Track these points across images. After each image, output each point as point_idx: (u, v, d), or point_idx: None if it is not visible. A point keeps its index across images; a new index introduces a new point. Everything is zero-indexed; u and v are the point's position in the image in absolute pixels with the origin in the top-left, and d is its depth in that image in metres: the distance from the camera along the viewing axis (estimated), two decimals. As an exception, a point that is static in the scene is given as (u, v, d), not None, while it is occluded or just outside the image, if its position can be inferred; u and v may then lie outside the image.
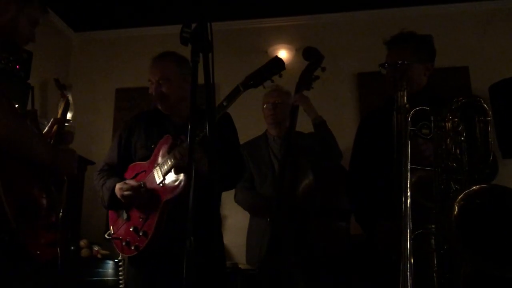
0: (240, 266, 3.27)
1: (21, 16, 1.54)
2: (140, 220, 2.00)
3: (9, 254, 1.38)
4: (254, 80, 2.02)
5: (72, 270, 3.59)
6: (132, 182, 2.03)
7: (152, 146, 2.10)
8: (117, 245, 2.09)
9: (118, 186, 2.04)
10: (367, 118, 2.33)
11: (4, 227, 1.33)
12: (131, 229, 2.00)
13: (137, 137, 2.20)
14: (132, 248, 1.98)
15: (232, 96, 1.97)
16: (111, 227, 2.12)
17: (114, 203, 2.08)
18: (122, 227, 2.08)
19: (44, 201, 1.52)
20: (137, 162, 2.14)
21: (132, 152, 2.19)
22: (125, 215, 2.06)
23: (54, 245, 1.54)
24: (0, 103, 1.39)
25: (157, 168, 2.01)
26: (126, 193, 1.99)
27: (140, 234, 1.97)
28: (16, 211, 1.37)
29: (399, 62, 1.90)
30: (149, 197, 1.98)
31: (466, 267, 1.55)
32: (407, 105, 1.77)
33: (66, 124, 1.84)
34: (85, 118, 4.57)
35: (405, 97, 1.79)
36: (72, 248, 3.89)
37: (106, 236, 2.12)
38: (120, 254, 2.27)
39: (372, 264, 1.99)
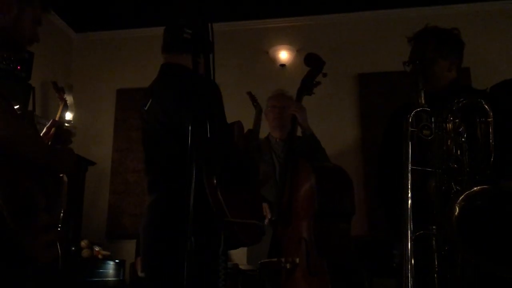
0: (240, 266, 3.27)
1: (23, 16, 1.54)
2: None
3: (7, 255, 1.37)
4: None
5: (73, 270, 3.59)
6: None
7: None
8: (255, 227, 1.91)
9: None
10: (395, 116, 2.26)
11: (2, 229, 1.33)
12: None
13: None
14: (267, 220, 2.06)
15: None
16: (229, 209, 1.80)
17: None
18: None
19: (43, 202, 1.52)
20: None
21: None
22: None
23: (53, 245, 1.53)
24: None
25: None
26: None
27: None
28: (14, 212, 1.36)
29: (417, 60, 1.87)
30: None
31: (467, 268, 1.55)
32: (425, 106, 1.74)
33: (66, 124, 1.83)
34: (86, 119, 4.57)
35: (423, 97, 1.77)
36: (73, 248, 3.89)
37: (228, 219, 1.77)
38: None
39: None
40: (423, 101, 1.74)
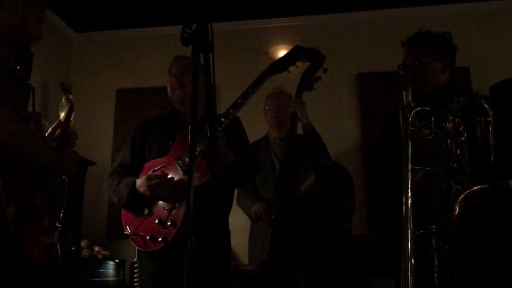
0: (241, 266, 3.27)
1: (29, 14, 1.54)
2: (166, 211, 2.00)
3: (8, 257, 1.37)
4: (279, 66, 2.28)
5: (73, 270, 3.59)
6: (157, 172, 2.04)
7: (170, 144, 2.11)
8: (137, 242, 2.06)
9: (142, 179, 2.03)
10: (389, 118, 2.29)
11: (3, 230, 1.33)
12: (156, 221, 1.99)
13: (153, 138, 2.21)
14: (160, 239, 1.96)
15: (258, 83, 2.21)
16: (127, 226, 2.10)
17: (133, 201, 2.08)
18: (142, 223, 2.05)
19: (44, 203, 1.52)
20: (153, 160, 2.14)
21: (147, 152, 2.21)
22: (146, 211, 2.05)
23: (54, 247, 1.53)
24: (2, 105, 1.39)
25: (180, 159, 2.05)
26: (153, 182, 1.98)
27: (168, 224, 1.97)
28: (16, 213, 1.36)
29: (411, 63, 1.90)
30: (174, 187, 2.01)
31: (467, 267, 1.55)
32: (412, 104, 1.76)
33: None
34: (85, 119, 4.57)
35: (410, 96, 1.79)
36: (73, 248, 3.89)
37: (125, 232, 2.10)
38: (136, 254, 2.21)
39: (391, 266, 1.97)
40: (410, 99, 1.76)
